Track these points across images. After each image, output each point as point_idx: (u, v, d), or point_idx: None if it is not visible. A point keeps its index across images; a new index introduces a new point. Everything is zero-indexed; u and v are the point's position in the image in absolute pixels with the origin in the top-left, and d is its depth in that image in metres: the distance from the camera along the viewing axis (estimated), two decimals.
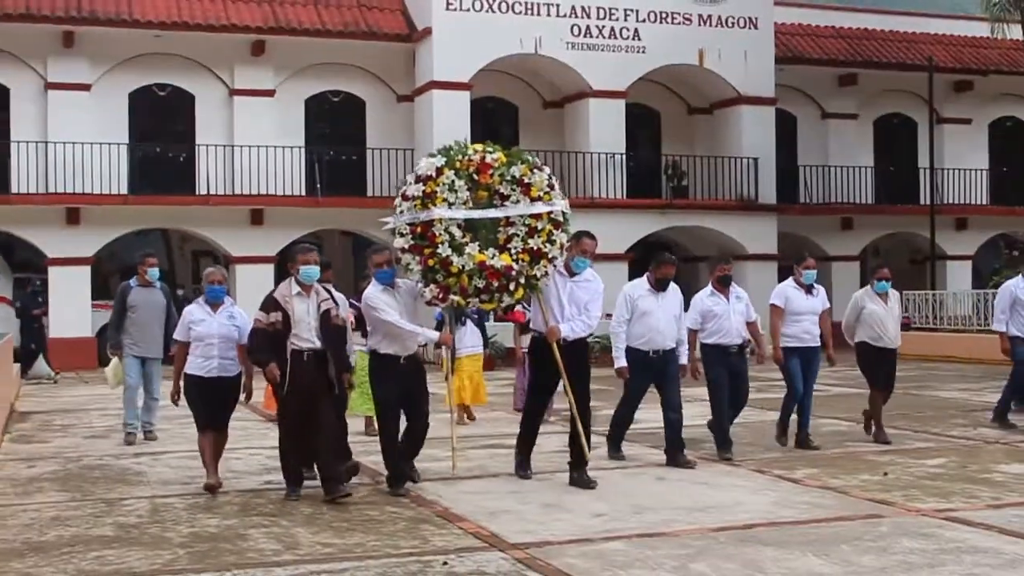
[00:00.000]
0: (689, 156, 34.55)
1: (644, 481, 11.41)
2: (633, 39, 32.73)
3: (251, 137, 31.43)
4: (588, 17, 32.27)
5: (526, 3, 31.68)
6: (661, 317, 12.17)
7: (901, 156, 38.29)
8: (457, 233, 10.80)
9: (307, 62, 32.52)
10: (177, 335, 11.49)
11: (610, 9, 32.40)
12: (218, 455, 11.30)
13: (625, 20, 32.67)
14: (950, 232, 36.93)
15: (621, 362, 12.12)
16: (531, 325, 11.97)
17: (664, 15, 32.99)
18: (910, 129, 38.05)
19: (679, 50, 32.84)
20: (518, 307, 14.47)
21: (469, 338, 16.65)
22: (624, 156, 32.50)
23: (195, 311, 11.24)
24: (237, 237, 30.22)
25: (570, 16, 32.08)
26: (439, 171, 10.80)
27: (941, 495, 10.39)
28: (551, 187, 11.17)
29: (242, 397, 11.32)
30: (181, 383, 11.22)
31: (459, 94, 31.39)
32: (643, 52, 32.71)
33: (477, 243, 10.92)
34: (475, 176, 10.97)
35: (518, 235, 10.99)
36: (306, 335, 10.49)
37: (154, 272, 15.02)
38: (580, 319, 11.20)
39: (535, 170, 11.15)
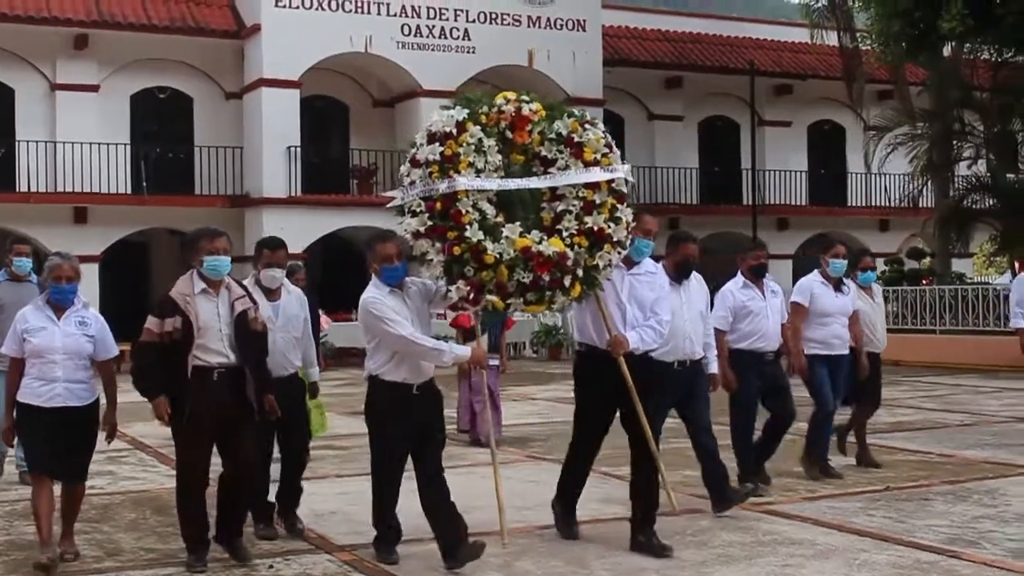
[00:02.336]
0: None
1: (473, 480, 11.34)
2: (463, 39, 32.78)
3: (74, 133, 30.70)
4: (418, 17, 32.22)
5: (356, 2, 31.49)
6: (687, 316, 9.14)
7: (725, 157, 38.95)
8: (489, 210, 7.80)
9: (132, 57, 31.83)
10: (6, 349, 8.06)
11: (440, 9, 32.40)
12: (67, 516, 8.17)
13: (455, 20, 32.70)
14: (772, 231, 37.68)
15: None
16: (576, 336, 8.61)
17: (494, 16, 33.10)
18: (733, 131, 38.77)
19: (509, 51, 32.97)
20: (463, 310, 12.31)
21: None
22: None
23: (31, 316, 7.91)
24: (59, 235, 29.25)
25: (400, 15, 31.99)
26: (461, 126, 7.80)
27: None
28: (609, 148, 8.20)
29: (102, 435, 8.10)
30: (14, 414, 8.04)
31: (288, 92, 31.08)
32: (473, 52, 32.77)
33: (517, 224, 7.86)
34: (508, 134, 8.03)
35: (570, 212, 8.00)
36: (215, 346, 7.68)
37: (23, 263, 11.24)
38: (648, 325, 8.31)
39: (586, 125, 8.19)
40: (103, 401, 8.14)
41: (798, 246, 38.66)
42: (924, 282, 30.32)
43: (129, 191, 31.30)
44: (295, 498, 9.05)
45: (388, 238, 7.93)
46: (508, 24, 33.26)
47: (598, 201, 8.01)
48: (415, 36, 32.21)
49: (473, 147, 7.77)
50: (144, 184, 31.33)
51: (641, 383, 8.11)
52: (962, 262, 36.05)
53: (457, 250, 7.63)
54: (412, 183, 7.80)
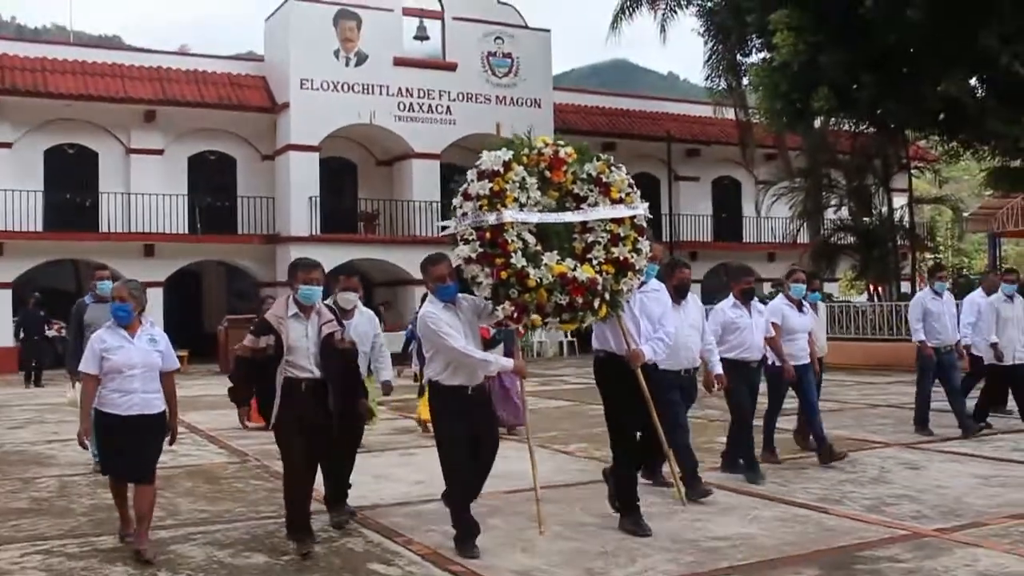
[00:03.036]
0: None
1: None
2: (446, 113, 32.81)
3: (144, 187, 30.71)
4: (411, 96, 32.28)
5: (363, 85, 31.52)
6: (686, 330, 8.87)
7: (650, 204, 38.71)
8: (531, 240, 7.25)
9: (189, 127, 31.76)
10: (84, 367, 7.10)
11: (428, 90, 32.48)
12: (143, 518, 7.10)
13: (440, 99, 32.75)
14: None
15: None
16: (595, 344, 7.91)
17: (470, 95, 33.16)
18: (655, 184, 38.82)
19: (481, 122, 32.99)
20: (505, 326, 11.65)
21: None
22: (440, 203, 32.51)
23: (107, 337, 7.10)
24: (132, 265, 29.02)
25: (397, 95, 32.05)
26: (507, 165, 7.23)
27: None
28: (631, 187, 7.70)
29: (165, 441, 7.31)
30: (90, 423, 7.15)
31: (310, 154, 31.03)
32: (454, 124, 32.82)
33: (555, 252, 7.33)
34: (547, 173, 7.44)
35: (599, 243, 7.49)
36: (303, 362, 7.07)
37: (105, 285, 10.22)
38: (658, 338, 7.74)
39: (612, 168, 7.66)
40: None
41: (704, 273, 38.84)
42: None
43: (186, 231, 31.21)
44: (344, 491, 8.13)
45: (440, 260, 7.17)
46: (481, 102, 33.32)
47: (622, 234, 7.52)
48: (408, 111, 32.25)
49: (518, 184, 7.20)
50: (198, 226, 31.29)
51: (653, 387, 7.60)
52: (830, 285, 36.33)
53: (504, 275, 7.07)
54: (464, 214, 7.19)
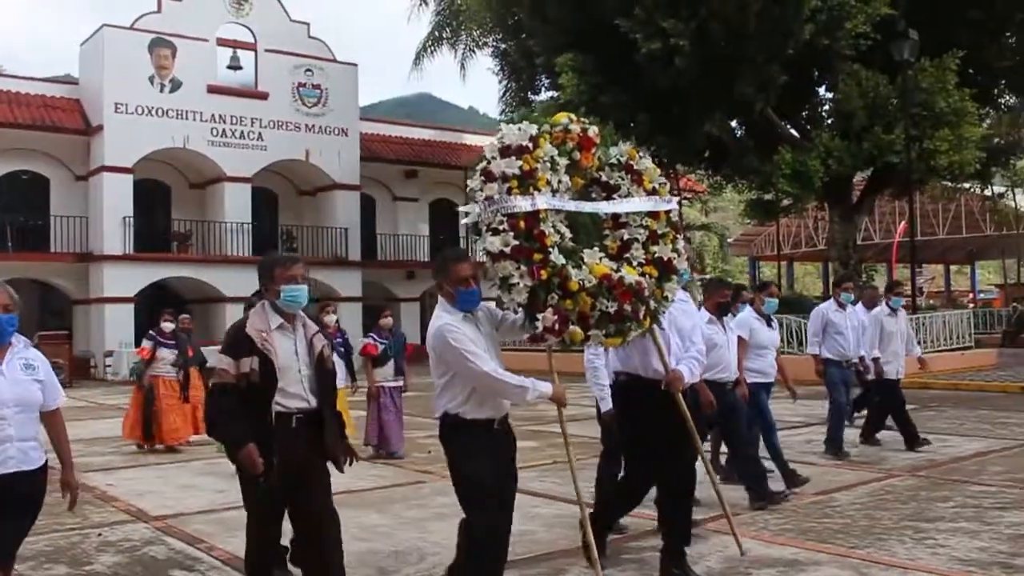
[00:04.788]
0: (299, 225, 34.24)
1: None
2: (258, 140, 32.13)
3: None
4: (224, 122, 31.48)
5: (178, 110, 30.52)
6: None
7: (448, 227, 39.02)
8: (566, 233, 5.55)
9: (2, 147, 29.94)
10: None
11: (240, 117, 31.75)
12: None
13: (252, 125, 32.06)
14: (480, 280, 38.09)
15: (608, 404, 6.82)
16: (617, 365, 6.41)
17: (280, 123, 32.59)
18: (454, 211, 39.10)
19: (291, 149, 32.52)
20: (368, 339, 10.89)
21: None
22: (250, 225, 31.83)
23: None
24: None
25: (210, 121, 31.17)
26: (535, 141, 5.44)
27: None
28: (664, 177, 6.17)
29: (61, 502, 4.87)
30: None
31: (124, 176, 29.73)
32: (265, 149, 32.18)
33: (596, 249, 5.66)
34: (576, 155, 5.67)
35: (637, 240, 5.86)
36: (294, 389, 5.05)
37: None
38: (692, 357, 6.29)
39: (641, 153, 6.08)
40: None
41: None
42: None
43: None
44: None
45: (463, 257, 5.25)
46: (291, 129, 32.79)
47: (659, 231, 5.94)
48: (221, 136, 31.42)
49: (548, 164, 5.45)
50: (8, 244, 29.53)
51: (671, 416, 6.04)
52: None
53: (544, 273, 5.25)
54: (489, 199, 5.25)
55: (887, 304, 11.56)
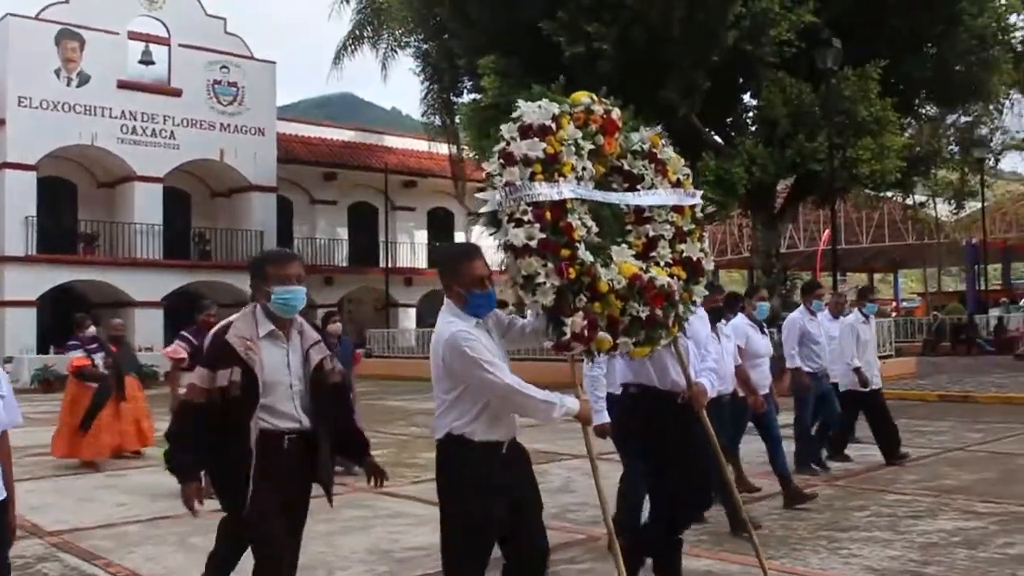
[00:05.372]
0: (212, 228, 33.77)
1: (160, 475, 10.91)
2: (170, 138, 31.69)
3: None
4: (135, 119, 30.99)
5: (85, 106, 29.97)
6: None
7: (367, 232, 39.07)
8: (592, 227, 4.91)
9: None
10: None
11: (152, 114, 31.29)
12: None
13: (164, 123, 31.61)
14: (401, 287, 38.06)
15: (603, 417, 6.31)
16: (626, 376, 5.92)
17: (194, 121, 32.18)
18: (373, 213, 38.98)
19: (205, 148, 32.14)
20: (178, 342, 9.43)
21: None
22: (161, 226, 31.32)
23: None
24: None
25: (120, 118, 30.69)
26: (557, 122, 4.82)
27: None
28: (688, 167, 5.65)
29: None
30: None
31: (27, 174, 29.14)
32: (178, 148, 31.73)
33: (624, 246, 5.18)
34: (600, 139, 5.08)
35: (663, 237, 5.37)
36: (285, 407, 4.52)
37: None
38: (709, 368, 5.85)
39: (664, 141, 5.55)
40: None
41: (419, 298, 39.20)
42: None
43: None
44: None
45: (476, 254, 4.61)
46: (205, 128, 32.38)
47: (685, 228, 5.47)
48: (132, 134, 30.93)
49: (572, 147, 4.88)
50: None
51: (685, 433, 5.61)
52: None
53: (572, 272, 4.67)
54: (509, 185, 4.65)
55: (860, 311, 11.13)
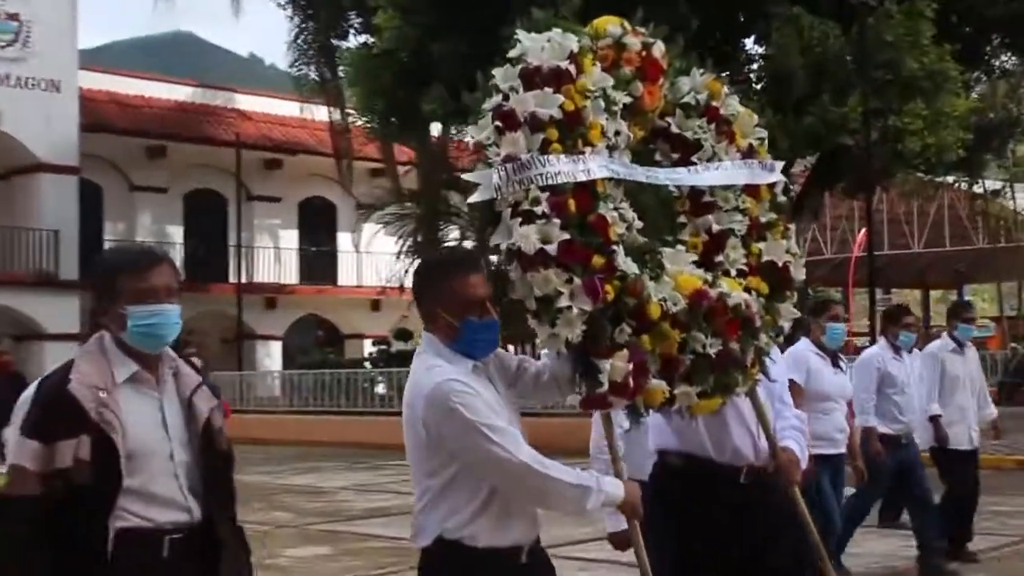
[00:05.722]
0: None
1: None
2: None
3: None
4: None
5: None
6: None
7: (211, 233, 38.77)
8: (635, 222, 4.53)
9: None
10: None
11: None
12: None
13: None
14: (260, 311, 37.81)
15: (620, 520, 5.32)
16: (667, 442, 5.46)
17: None
18: (220, 205, 38.71)
19: None
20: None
21: None
22: None
23: None
24: None
25: None
26: (576, 61, 4.38)
27: None
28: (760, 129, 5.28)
29: None
30: None
31: None
32: None
33: (680, 247, 4.86)
34: (635, 89, 4.69)
35: (735, 233, 5.00)
36: (163, 489, 3.90)
37: None
38: (793, 427, 5.51)
39: (727, 90, 5.25)
40: None
41: (287, 327, 38.95)
42: None
43: None
44: None
45: (473, 266, 4.24)
46: None
47: (764, 219, 5.13)
48: None
49: (602, 103, 4.45)
50: None
51: (767, 519, 5.29)
52: None
53: (610, 290, 4.24)
54: (511, 160, 4.18)
55: (951, 335, 10.81)
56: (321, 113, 35.83)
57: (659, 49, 4.81)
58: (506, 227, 4.19)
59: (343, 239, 41.01)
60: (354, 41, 28.12)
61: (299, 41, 31.87)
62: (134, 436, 3.80)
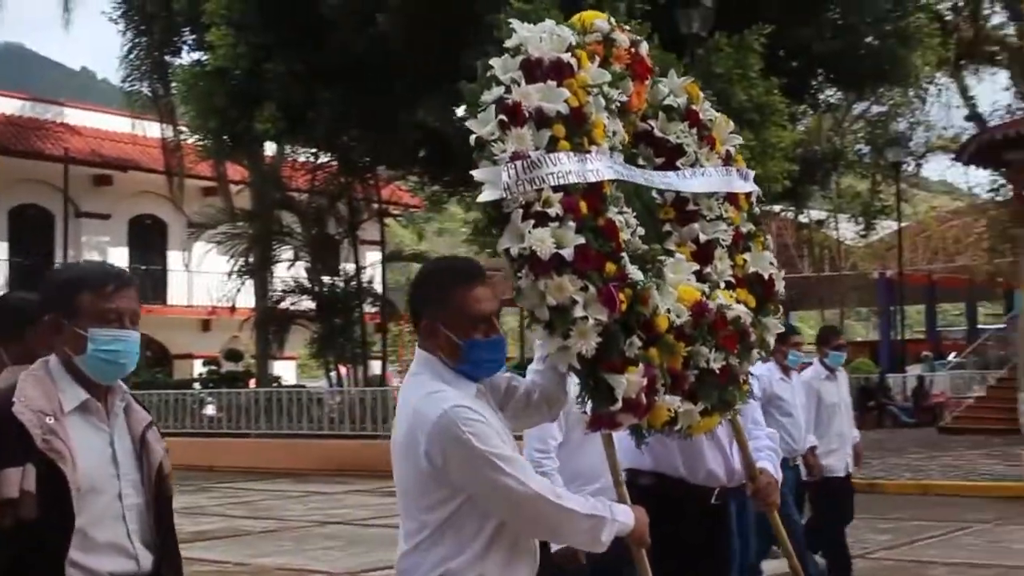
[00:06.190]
0: None
1: None
2: None
3: None
4: None
5: None
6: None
7: (38, 250, 37.97)
8: (636, 227, 4.37)
9: None
10: None
11: None
12: None
13: None
14: None
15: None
16: (638, 461, 5.21)
17: None
18: (47, 222, 37.95)
19: None
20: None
21: None
22: None
23: None
24: None
25: None
26: (574, 53, 4.22)
27: None
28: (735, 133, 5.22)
29: None
30: None
31: None
32: None
33: (681, 256, 4.73)
34: (627, 86, 4.60)
35: (720, 243, 4.89)
36: (110, 534, 3.50)
37: None
38: (768, 447, 5.45)
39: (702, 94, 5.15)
40: None
41: None
42: (248, 384, 30.62)
43: None
44: None
45: (479, 277, 3.89)
46: None
47: (744, 229, 5.01)
48: None
49: (602, 100, 4.30)
50: None
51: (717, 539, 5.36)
52: (285, 364, 37.16)
53: (623, 300, 4.02)
54: (520, 158, 3.91)
55: (821, 362, 10.43)
56: (153, 130, 35.38)
57: (645, 47, 4.74)
58: (516, 230, 3.88)
59: (174, 258, 40.47)
60: (188, 58, 27.88)
61: (132, 56, 31.37)
62: (85, 470, 3.44)
